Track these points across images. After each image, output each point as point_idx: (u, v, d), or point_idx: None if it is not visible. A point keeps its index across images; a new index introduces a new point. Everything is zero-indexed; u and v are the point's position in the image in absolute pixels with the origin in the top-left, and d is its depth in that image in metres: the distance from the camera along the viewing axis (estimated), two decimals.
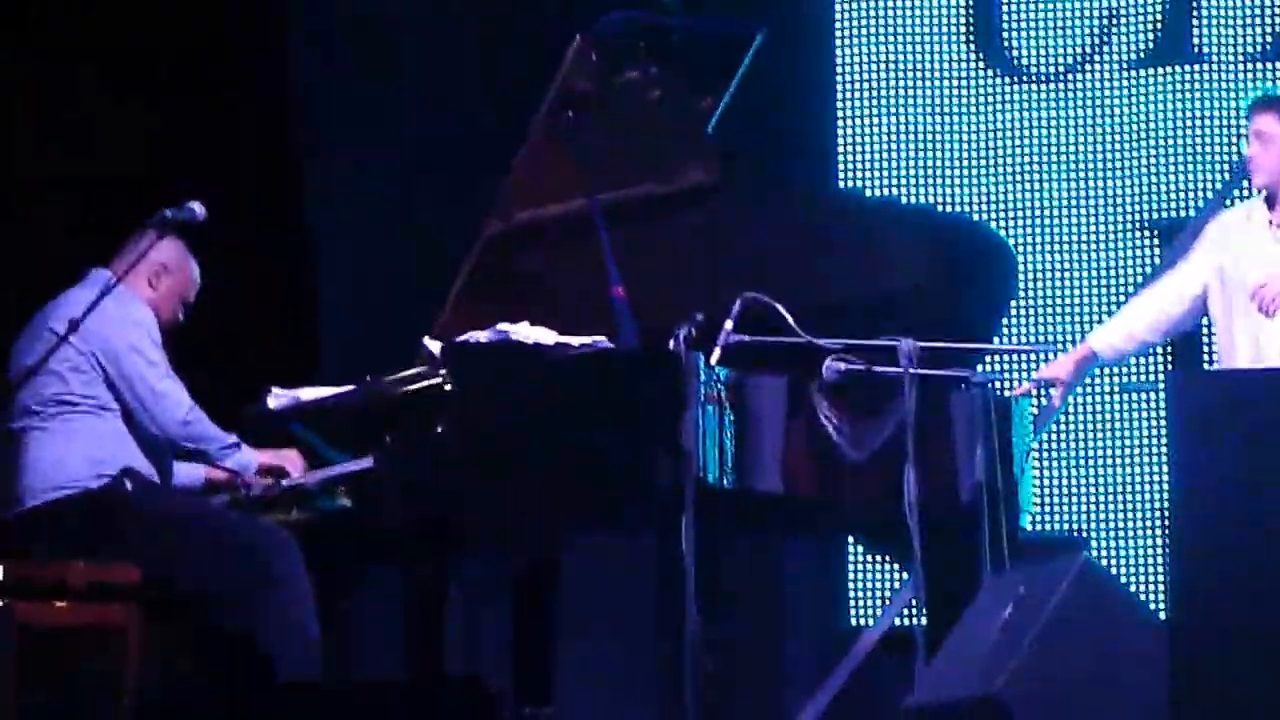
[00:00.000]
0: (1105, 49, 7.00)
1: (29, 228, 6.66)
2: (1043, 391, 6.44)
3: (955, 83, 7.05)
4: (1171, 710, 4.39)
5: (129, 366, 4.98)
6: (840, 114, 7.05)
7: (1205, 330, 6.61)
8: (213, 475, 5.20)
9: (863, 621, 6.96)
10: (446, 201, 6.47)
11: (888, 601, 6.95)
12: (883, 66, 7.06)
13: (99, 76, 6.81)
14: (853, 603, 6.99)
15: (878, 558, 6.94)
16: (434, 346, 5.16)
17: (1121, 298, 6.92)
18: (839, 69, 7.06)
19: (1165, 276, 5.75)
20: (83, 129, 6.79)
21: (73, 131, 6.79)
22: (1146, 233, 6.96)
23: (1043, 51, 7.03)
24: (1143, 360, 6.88)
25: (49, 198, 6.73)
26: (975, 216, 6.89)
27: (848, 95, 7.06)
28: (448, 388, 5.02)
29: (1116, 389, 6.87)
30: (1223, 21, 6.92)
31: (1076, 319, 6.96)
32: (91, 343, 4.98)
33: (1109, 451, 6.92)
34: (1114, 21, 6.99)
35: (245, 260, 5.61)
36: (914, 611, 5.70)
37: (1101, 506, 6.92)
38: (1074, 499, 6.93)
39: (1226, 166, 6.89)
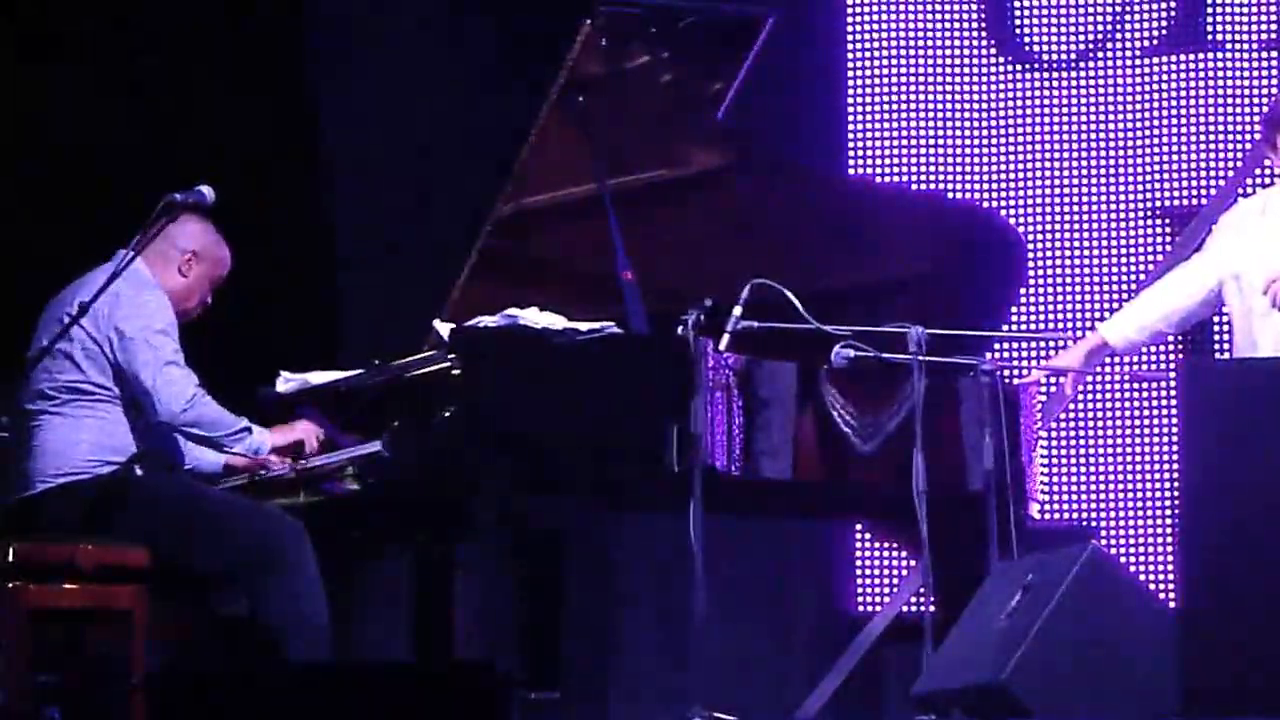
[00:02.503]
0: (1118, 36, 7.00)
1: (47, 212, 6.70)
2: (1054, 380, 6.45)
3: (967, 69, 7.05)
4: (1180, 698, 4.39)
5: (135, 352, 4.99)
6: (851, 99, 7.05)
7: (1217, 319, 6.62)
8: (232, 461, 5.20)
9: (870, 607, 6.98)
10: (466, 183, 6.49)
11: (895, 587, 6.97)
12: (894, 52, 7.05)
13: (120, 61, 6.83)
14: (860, 588, 7.00)
15: (885, 544, 6.96)
16: (444, 329, 5.18)
17: (1133, 285, 6.93)
18: (850, 54, 7.06)
19: (1180, 267, 5.73)
20: (102, 113, 6.80)
21: (92, 115, 6.79)
22: (1158, 220, 6.97)
23: (1055, 38, 7.02)
24: (1153, 349, 6.88)
25: (68, 183, 6.75)
26: (986, 203, 6.91)
27: (859, 81, 7.06)
28: (456, 372, 5.03)
29: (1126, 377, 6.88)
30: (1235, 9, 6.91)
31: (1087, 306, 6.96)
32: (104, 329, 5.00)
33: (1118, 440, 6.92)
34: (1127, 8, 6.99)
35: (265, 243, 5.64)
36: (922, 598, 5.71)
37: (1110, 495, 6.92)
38: (1083, 487, 6.93)
39: (1239, 154, 6.90)
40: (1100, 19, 7.00)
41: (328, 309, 6.96)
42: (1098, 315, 6.89)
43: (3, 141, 6.73)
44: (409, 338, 5.32)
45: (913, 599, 6.83)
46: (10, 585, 4.79)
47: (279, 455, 5.13)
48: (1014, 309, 6.54)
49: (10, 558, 4.81)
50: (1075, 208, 7.00)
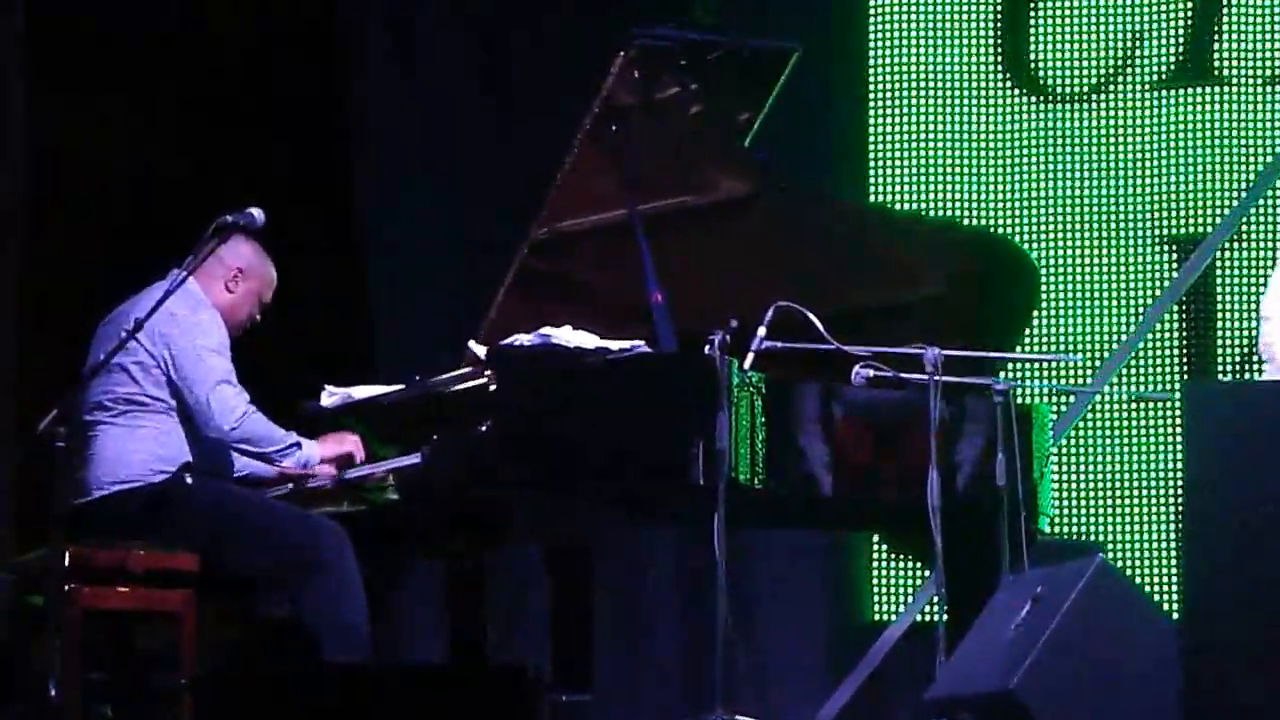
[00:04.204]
0: (1129, 70, 7.08)
1: (95, 229, 6.83)
2: (1064, 399, 6.55)
3: (984, 102, 7.14)
4: (1183, 708, 4.45)
5: (190, 370, 5.11)
6: (872, 130, 7.14)
7: (1220, 340, 6.76)
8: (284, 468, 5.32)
9: (886, 616, 7.06)
10: (502, 206, 6.60)
11: (910, 597, 7.04)
12: (914, 86, 7.14)
13: (162, 83, 6.94)
14: (876, 597, 7.09)
15: (900, 555, 7.06)
16: (479, 350, 5.26)
17: (1140, 309, 7.03)
18: (872, 87, 7.15)
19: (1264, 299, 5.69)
20: (146, 133, 6.92)
21: (136, 135, 6.92)
22: (1165, 247, 7.05)
23: (1068, 72, 7.11)
24: (1159, 371, 7.01)
25: (113, 201, 6.89)
26: (1001, 230, 6.96)
27: (880, 112, 7.15)
28: (492, 388, 5.14)
29: (1133, 398, 6.99)
30: (1243, 45, 7.00)
31: (1097, 329, 7.05)
32: (159, 345, 5.12)
33: (1125, 458, 6.99)
34: (1138, 44, 7.07)
35: (304, 262, 5.75)
36: (936, 609, 5.81)
37: (1117, 511, 6.99)
38: (1091, 503, 7.01)
39: (1244, 184, 6.97)
40: (1112, 54, 7.08)
41: (363, 328, 7.04)
42: (1106, 337, 7.04)
43: (58, 165, 6.89)
44: (445, 357, 5.40)
45: (926, 608, 6.93)
46: (66, 587, 4.89)
47: (328, 466, 5.23)
48: (1027, 331, 6.60)
49: (66, 561, 4.90)
50: (1086, 234, 7.06)
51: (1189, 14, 7.06)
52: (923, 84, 7.16)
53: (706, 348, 5.17)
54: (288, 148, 6.94)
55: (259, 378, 5.26)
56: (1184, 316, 7.04)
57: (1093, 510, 7.02)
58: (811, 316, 5.27)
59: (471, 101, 7.17)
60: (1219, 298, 7.01)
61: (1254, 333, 5.69)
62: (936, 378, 5.30)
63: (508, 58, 7.16)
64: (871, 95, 7.18)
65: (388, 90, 7.22)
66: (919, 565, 6.90)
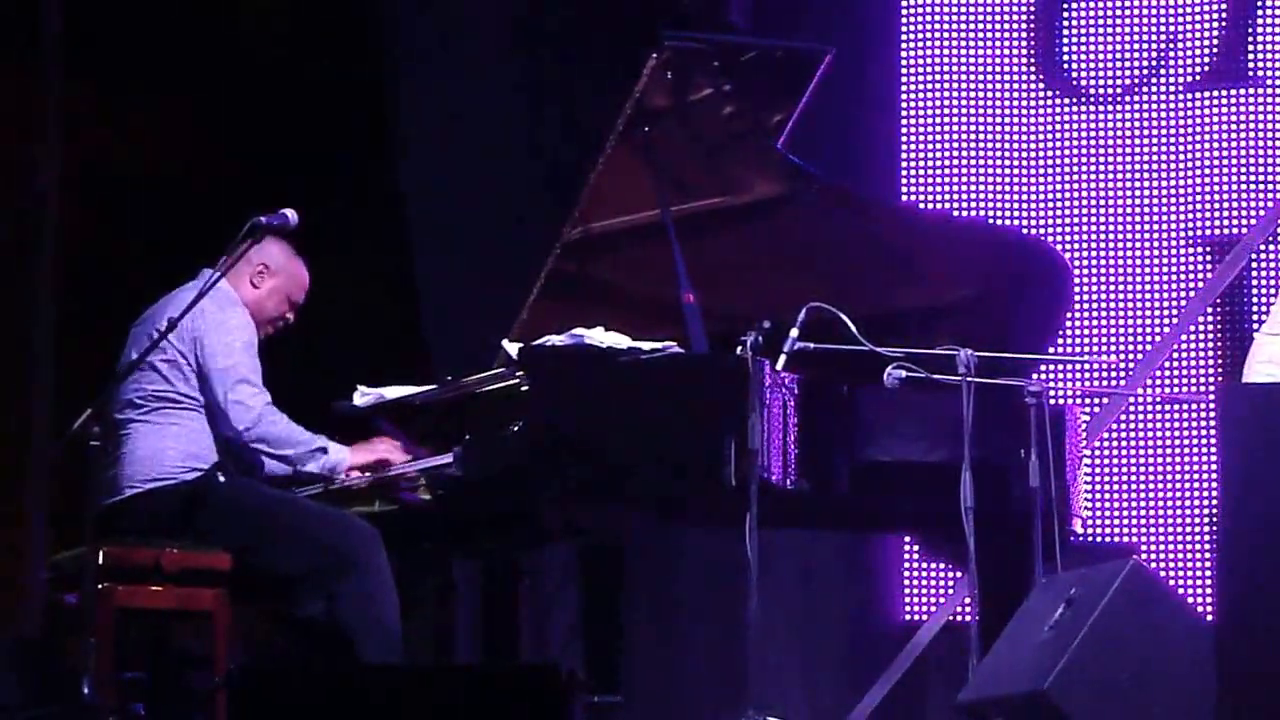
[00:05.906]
0: (1162, 72, 7.09)
1: (131, 230, 6.88)
2: (1097, 401, 6.54)
3: (1016, 103, 7.15)
4: (1218, 711, 4.43)
5: (212, 367, 5.14)
6: (905, 130, 7.15)
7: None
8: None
9: (918, 617, 7.06)
10: (540, 208, 6.62)
11: (942, 597, 7.04)
12: (946, 86, 7.15)
13: (199, 82, 6.99)
14: (908, 598, 7.09)
15: (933, 559, 7.06)
16: (512, 349, 5.31)
17: (1172, 311, 7.04)
18: (904, 88, 7.16)
19: None
20: (183, 132, 6.97)
21: (172, 135, 6.97)
22: (1199, 248, 7.05)
23: (1101, 73, 7.12)
24: (1193, 371, 7.00)
25: (149, 201, 6.94)
26: (1033, 231, 6.97)
27: (912, 113, 7.16)
28: (525, 389, 5.16)
29: (1167, 400, 6.98)
30: (1277, 46, 6.99)
31: (1130, 330, 7.06)
32: (188, 341, 5.15)
33: (1160, 460, 6.99)
34: (1171, 45, 7.08)
35: (357, 264, 5.78)
36: (970, 610, 5.82)
37: (1152, 513, 6.99)
38: (1125, 505, 7.01)
39: (1278, 186, 7.00)
40: (1145, 55, 7.09)
41: (414, 327, 7.10)
42: (1139, 338, 7.04)
43: (94, 166, 6.93)
44: (487, 357, 5.44)
45: (958, 609, 6.94)
46: (100, 586, 4.93)
47: (360, 473, 5.24)
48: (1060, 333, 6.60)
49: (100, 560, 4.94)
50: (1118, 235, 7.07)
51: (1222, 15, 7.06)
52: (955, 85, 7.18)
53: (739, 349, 5.18)
54: (329, 146, 6.97)
55: (308, 378, 5.29)
56: (1218, 318, 7.03)
57: (1127, 512, 7.02)
58: (844, 318, 5.28)
59: (514, 106, 7.16)
60: (1253, 299, 6.99)
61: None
62: (969, 379, 5.29)
63: (548, 64, 7.16)
64: (903, 96, 7.19)
65: (432, 99, 7.22)
66: (951, 566, 6.90)
